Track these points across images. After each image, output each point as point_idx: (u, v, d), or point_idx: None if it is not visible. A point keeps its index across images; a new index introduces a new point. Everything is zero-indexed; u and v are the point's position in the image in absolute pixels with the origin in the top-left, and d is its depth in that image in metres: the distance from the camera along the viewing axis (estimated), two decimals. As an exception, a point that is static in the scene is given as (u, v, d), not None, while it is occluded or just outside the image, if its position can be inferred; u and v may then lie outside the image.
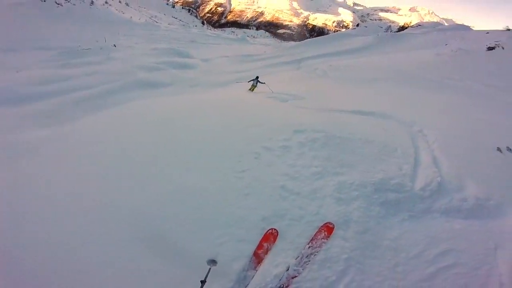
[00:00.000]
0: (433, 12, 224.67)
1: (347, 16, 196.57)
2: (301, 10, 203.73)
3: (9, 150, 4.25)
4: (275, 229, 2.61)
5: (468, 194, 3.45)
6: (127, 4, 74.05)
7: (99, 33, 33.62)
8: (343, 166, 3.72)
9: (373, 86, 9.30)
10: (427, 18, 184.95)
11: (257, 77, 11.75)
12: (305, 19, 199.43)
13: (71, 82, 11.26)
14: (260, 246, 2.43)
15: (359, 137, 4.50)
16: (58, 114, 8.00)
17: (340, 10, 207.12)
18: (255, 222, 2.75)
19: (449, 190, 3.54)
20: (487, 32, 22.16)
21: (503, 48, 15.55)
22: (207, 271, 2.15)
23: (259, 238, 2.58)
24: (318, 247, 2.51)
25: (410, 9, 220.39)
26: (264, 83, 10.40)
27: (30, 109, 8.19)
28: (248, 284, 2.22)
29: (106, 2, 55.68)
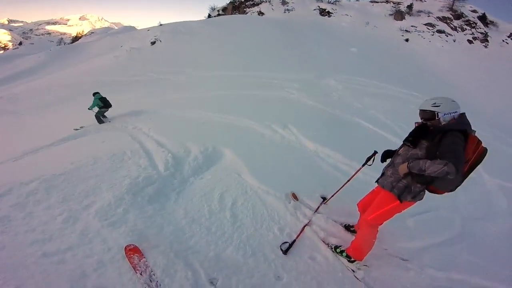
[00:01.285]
0: (103, 18, 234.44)
1: (2, 36, 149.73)
2: None
3: None
4: None
5: (195, 153, 4.32)
6: None
7: None
8: (87, 196, 3.20)
9: (65, 105, 8.26)
10: (98, 25, 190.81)
11: None
12: None
13: None
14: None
15: (83, 162, 3.92)
16: None
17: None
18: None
19: (183, 158, 4.21)
20: (148, 29, 27.41)
21: (160, 41, 20.27)
22: None
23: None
24: (146, 268, 2.30)
25: (80, 18, 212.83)
26: None
27: None
28: None
29: None
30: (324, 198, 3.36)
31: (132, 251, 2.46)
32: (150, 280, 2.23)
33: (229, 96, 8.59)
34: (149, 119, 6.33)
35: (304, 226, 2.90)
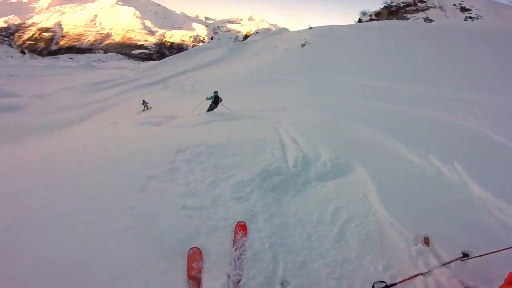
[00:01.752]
0: (264, 19, 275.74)
1: (201, 31, 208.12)
2: (156, 28, 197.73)
3: None
4: (195, 247, 2.42)
5: (324, 159, 4.21)
6: None
7: None
8: (231, 169, 3.83)
9: (235, 92, 10.26)
10: (261, 25, 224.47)
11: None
12: (162, 37, 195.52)
13: None
14: (190, 268, 2.25)
15: (236, 140, 4.74)
16: None
17: (195, 25, 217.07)
18: (172, 250, 2.39)
19: (312, 160, 4.22)
20: (299, 32, 29.46)
21: (309, 44, 21.27)
22: None
23: (184, 262, 2.29)
24: (242, 246, 2.49)
25: (248, 19, 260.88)
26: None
27: None
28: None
29: None
30: (465, 255, 2.50)
31: (240, 227, 2.71)
32: (238, 258, 2.37)
33: (376, 109, 7.76)
34: (289, 116, 6.74)
35: (418, 275, 2.31)
